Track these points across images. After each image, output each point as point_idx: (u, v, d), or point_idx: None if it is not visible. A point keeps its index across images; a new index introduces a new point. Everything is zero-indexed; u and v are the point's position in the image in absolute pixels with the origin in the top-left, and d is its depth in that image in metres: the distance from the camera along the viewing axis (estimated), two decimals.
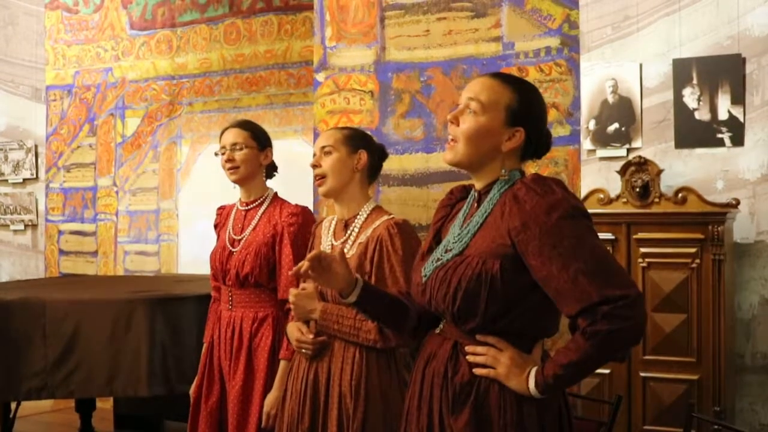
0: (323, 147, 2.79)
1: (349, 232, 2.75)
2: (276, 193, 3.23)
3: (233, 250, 3.15)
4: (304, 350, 2.72)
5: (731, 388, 4.74)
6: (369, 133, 3.05)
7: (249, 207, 3.20)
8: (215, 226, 3.34)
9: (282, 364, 3.02)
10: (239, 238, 3.15)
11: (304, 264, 2.10)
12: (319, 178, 2.79)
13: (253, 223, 3.15)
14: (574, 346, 1.84)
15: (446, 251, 2.04)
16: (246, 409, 3.06)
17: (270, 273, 3.09)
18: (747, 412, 4.89)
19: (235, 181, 3.18)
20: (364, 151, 2.79)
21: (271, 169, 3.26)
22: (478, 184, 2.08)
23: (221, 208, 3.35)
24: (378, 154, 2.86)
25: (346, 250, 2.71)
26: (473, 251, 1.97)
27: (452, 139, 2.04)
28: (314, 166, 2.81)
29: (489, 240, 1.96)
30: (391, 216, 2.74)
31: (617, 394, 3.14)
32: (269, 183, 3.27)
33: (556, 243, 1.84)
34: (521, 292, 1.92)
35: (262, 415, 3.03)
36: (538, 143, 2.07)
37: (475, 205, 2.08)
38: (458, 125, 2.02)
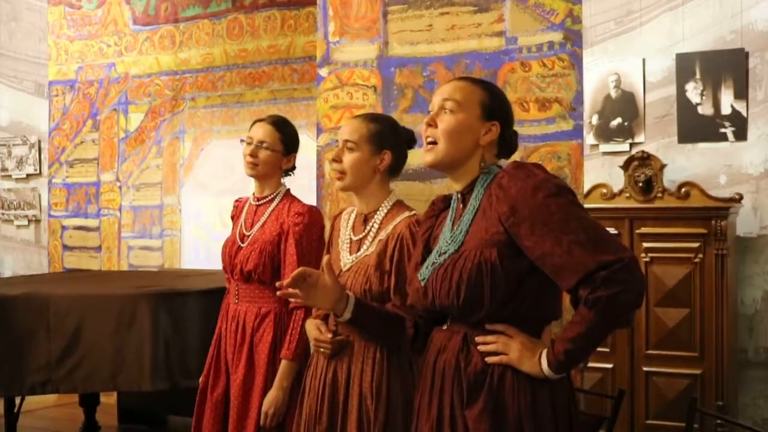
0: (346, 141, 2.67)
1: (368, 228, 2.66)
2: (288, 190, 3.21)
3: (241, 245, 3.15)
4: (322, 349, 2.63)
5: (734, 383, 4.74)
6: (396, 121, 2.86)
7: (260, 202, 3.19)
8: (232, 218, 3.34)
9: (283, 363, 3.00)
10: (248, 233, 3.16)
11: (286, 281, 2.09)
12: (338, 173, 2.68)
13: (262, 219, 3.15)
14: (579, 318, 1.88)
15: (441, 254, 2.08)
16: (246, 404, 3.06)
17: (274, 271, 3.07)
18: (750, 407, 4.89)
19: (250, 175, 3.17)
20: (388, 151, 2.66)
21: (290, 170, 3.25)
22: (459, 185, 2.13)
23: (238, 200, 3.35)
24: (404, 148, 2.73)
25: (365, 247, 2.63)
26: (468, 246, 2.01)
27: (430, 142, 2.10)
28: (335, 160, 2.69)
29: (482, 232, 2.00)
30: (413, 213, 2.63)
31: (620, 389, 3.15)
32: None
33: (546, 221, 1.88)
34: (521, 277, 1.95)
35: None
36: (510, 139, 2.15)
37: (461, 206, 2.12)
38: (436, 127, 2.09)
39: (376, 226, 2.65)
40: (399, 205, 2.69)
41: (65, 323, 3.67)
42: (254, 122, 3.22)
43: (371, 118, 2.79)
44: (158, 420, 5.38)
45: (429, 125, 2.10)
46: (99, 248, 6.32)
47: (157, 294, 3.73)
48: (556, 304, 2.05)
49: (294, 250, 3.01)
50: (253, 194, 3.23)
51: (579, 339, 1.88)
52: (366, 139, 2.66)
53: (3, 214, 7.65)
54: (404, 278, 2.45)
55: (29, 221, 7.53)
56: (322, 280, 2.13)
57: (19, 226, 7.59)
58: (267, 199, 3.18)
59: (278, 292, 2.17)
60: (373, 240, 2.63)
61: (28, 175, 7.51)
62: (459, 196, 2.14)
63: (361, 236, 2.67)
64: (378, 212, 2.67)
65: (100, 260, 6.29)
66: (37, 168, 7.43)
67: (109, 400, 5.40)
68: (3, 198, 7.63)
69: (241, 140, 3.19)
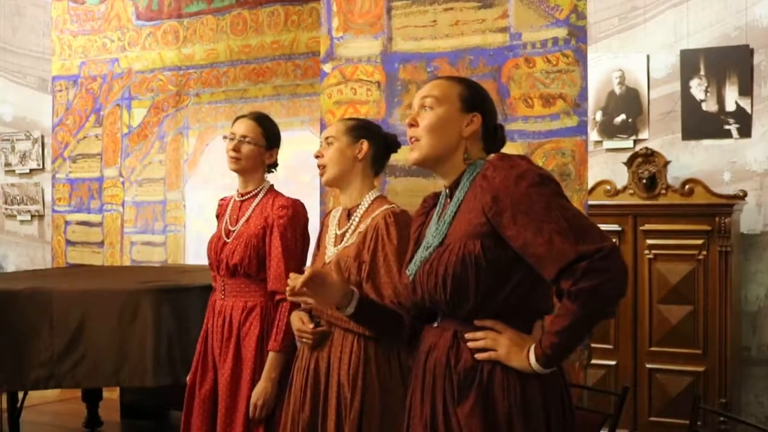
0: (327, 137, 2.83)
1: (350, 221, 2.77)
2: (272, 186, 3.24)
3: (227, 240, 3.17)
4: (304, 340, 2.76)
5: (737, 380, 4.74)
6: (377, 123, 3.04)
7: (244, 198, 3.21)
8: (217, 217, 3.36)
9: (271, 355, 3.02)
10: (233, 229, 3.17)
11: (297, 284, 2.14)
12: (321, 168, 2.83)
13: (247, 214, 3.17)
14: (564, 311, 1.88)
15: (427, 248, 2.10)
16: (234, 397, 3.07)
17: (260, 264, 3.10)
18: (753, 404, 4.89)
19: (233, 170, 3.21)
20: (365, 140, 2.79)
21: (272, 166, 3.27)
22: (447, 181, 2.15)
23: (222, 200, 3.38)
24: (383, 143, 2.85)
25: (346, 239, 2.74)
26: (453, 238, 2.02)
27: (414, 139, 2.12)
28: (317, 156, 2.84)
29: (465, 223, 2.01)
30: (392, 205, 2.74)
31: (623, 386, 3.14)
32: (278, 173, 3.28)
33: (528, 210, 1.89)
34: (507, 268, 1.95)
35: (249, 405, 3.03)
36: (494, 131, 2.16)
37: (448, 200, 2.14)
38: (418, 126, 2.12)
39: (358, 219, 2.75)
40: (380, 200, 2.79)
41: (68, 318, 3.67)
42: (236, 119, 3.25)
43: (351, 118, 3.01)
44: (160, 415, 5.38)
45: (411, 125, 2.13)
46: (102, 244, 6.32)
47: (159, 289, 3.73)
48: (547, 299, 2.04)
49: (279, 242, 3.04)
50: (237, 191, 3.25)
51: (565, 332, 1.88)
52: (343, 131, 2.82)
53: (6, 209, 7.65)
54: (377, 267, 2.57)
55: (32, 216, 7.53)
56: (329, 279, 2.16)
57: (22, 221, 7.59)
58: (251, 194, 3.21)
59: (289, 297, 2.23)
60: (353, 232, 2.74)
61: (31, 170, 7.51)
62: (446, 191, 2.16)
63: (344, 230, 2.78)
64: (360, 206, 2.78)
65: (103, 256, 6.29)
66: (41, 163, 7.44)
67: (111, 395, 5.40)
68: (6, 193, 7.64)
69: (224, 137, 3.21)
